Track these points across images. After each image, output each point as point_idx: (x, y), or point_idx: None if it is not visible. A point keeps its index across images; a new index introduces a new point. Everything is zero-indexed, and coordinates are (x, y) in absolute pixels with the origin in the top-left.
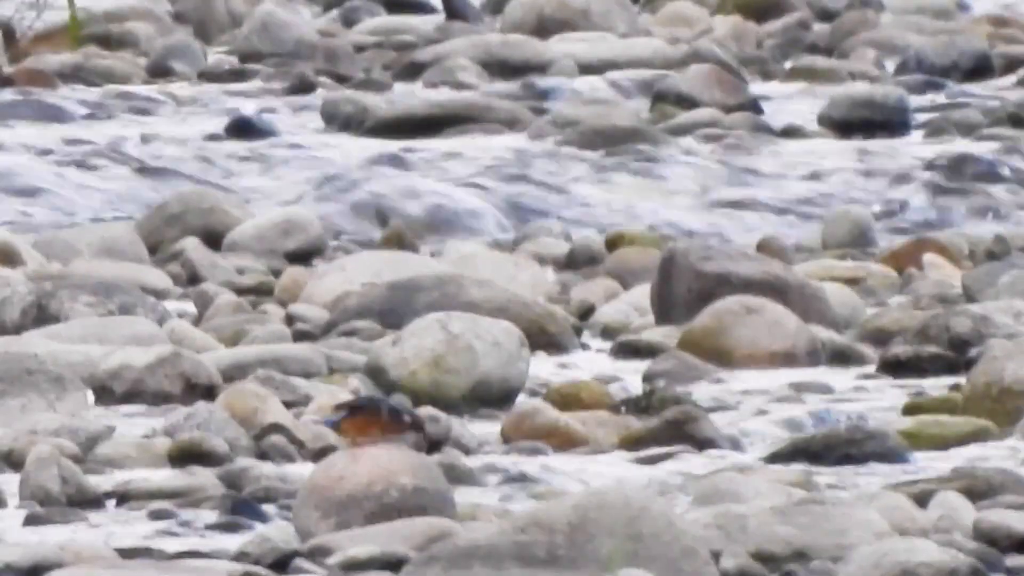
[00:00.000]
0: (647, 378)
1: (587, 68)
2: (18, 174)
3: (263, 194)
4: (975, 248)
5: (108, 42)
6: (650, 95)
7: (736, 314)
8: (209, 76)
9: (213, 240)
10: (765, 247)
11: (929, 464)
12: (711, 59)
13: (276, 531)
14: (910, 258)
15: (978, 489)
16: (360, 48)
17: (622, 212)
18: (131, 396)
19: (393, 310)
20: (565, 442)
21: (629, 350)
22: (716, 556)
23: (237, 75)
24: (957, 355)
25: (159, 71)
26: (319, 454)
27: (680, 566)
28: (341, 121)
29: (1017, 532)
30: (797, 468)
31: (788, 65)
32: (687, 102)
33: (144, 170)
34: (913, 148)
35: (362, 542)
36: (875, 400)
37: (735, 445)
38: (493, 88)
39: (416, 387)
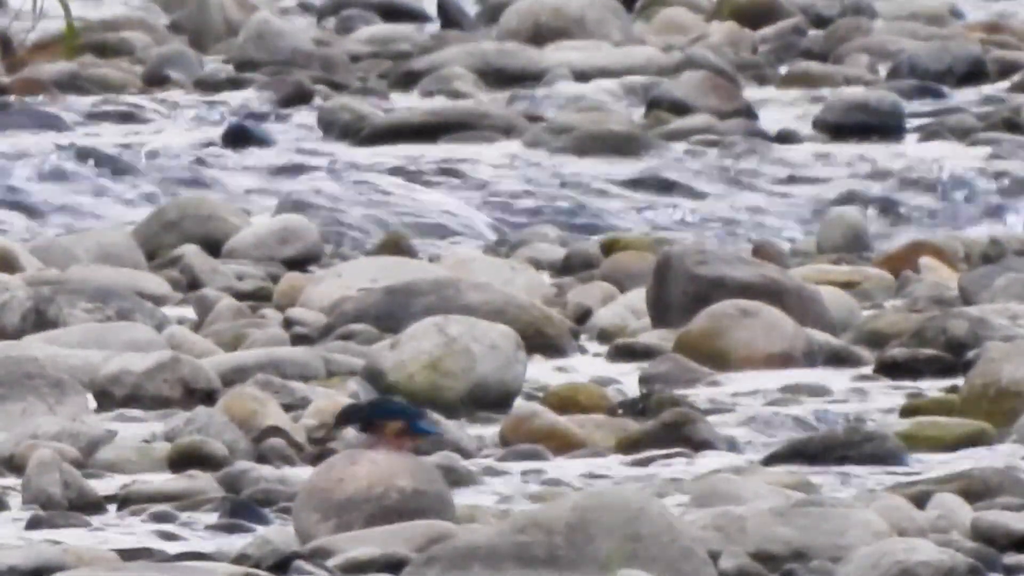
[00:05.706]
0: (644, 381)
1: (582, 76)
2: (15, 181)
3: (260, 201)
4: (970, 251)
5: (104, 51)
6: (644, 102)
7: (732, 317)
8: (205, 85)
9: (210, 247)
10: (760, 251)
11: (927, 465)
12: (705, 65)
13: (276, 533)
14: (906, 261)
15: (975, 489)
16: (356, 57)
17: (618, 217)
18: (131, 400)
19: (390, 314)
20: (563, 445)
21: (626, 353)
22: (715, 557)
23: (233, 83)
24: (954, 357)
25: (155, 80)
26: (318, 457)
27: (679, 567)
28: (338, 129)
29: (1014, 531)
30: (795, 470)
31: (783, 70)
32: (681, 108)
33: (140, 178)
34: (908, 152)
35: (362, 544)
36: (872, 402)
37: (732, 447)
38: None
39: (414, 390)
